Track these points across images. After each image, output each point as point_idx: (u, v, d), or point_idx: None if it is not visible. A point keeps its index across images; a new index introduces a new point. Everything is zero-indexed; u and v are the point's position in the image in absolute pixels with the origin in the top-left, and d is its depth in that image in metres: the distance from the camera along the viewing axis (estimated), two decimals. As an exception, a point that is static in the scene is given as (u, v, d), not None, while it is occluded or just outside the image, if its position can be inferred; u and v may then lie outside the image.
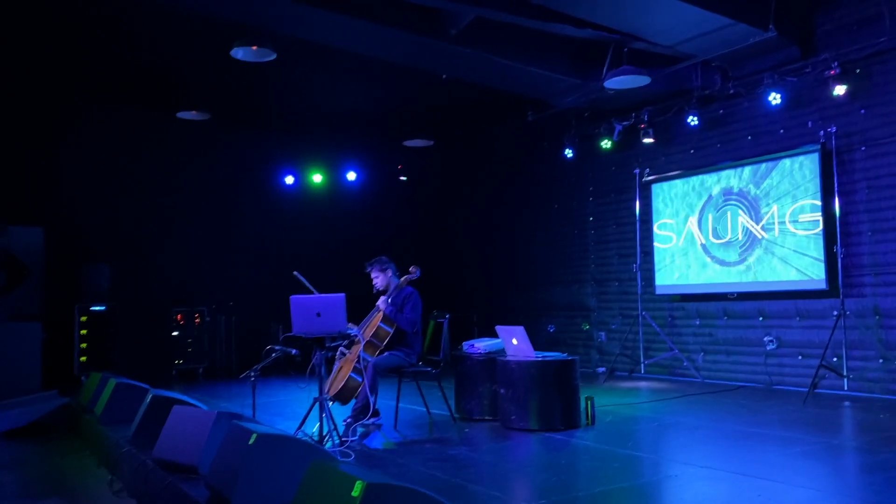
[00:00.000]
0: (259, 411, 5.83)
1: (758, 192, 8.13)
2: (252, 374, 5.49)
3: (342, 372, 5.91)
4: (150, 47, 8.24)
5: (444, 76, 8.55)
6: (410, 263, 6.31)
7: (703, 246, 8.70)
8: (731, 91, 8.24)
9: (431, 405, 6.37)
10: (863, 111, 7.26)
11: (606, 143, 9.54)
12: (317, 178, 12.05)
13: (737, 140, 8.44)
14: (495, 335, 6.35)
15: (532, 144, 11.12)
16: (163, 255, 10.63)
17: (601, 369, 9.51)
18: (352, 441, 5.32)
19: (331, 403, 5.40)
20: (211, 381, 9.93)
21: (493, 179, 12.05)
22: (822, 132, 7.49)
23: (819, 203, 7.49)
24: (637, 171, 9.43)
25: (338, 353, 6.02)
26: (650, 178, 9.33)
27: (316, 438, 4.98)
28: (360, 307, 6.21)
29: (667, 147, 9.17)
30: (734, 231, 8.37)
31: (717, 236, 8.56)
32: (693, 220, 8.83)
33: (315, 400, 5.05)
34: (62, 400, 7.60)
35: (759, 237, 8.10)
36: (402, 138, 11.96)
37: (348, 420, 5.71)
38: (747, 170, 8.23)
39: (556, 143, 10.34)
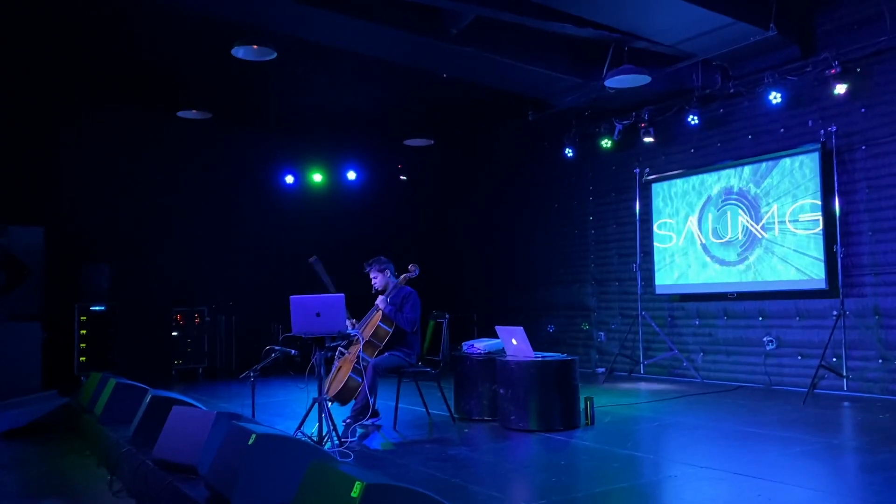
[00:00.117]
0: (258, 411, 5.83)
1: (758, 191, 8.12)
2: (252, 374, 5.49)
3: (341, 372, 5.91)
4: (150, 47, 8.24)
5: (444, 76, 8.55)
6: (410, 263, 6.31)
7: (703, 245, 8.69)
8: (732, 90, 8.24)
9: (431, 405, 6.37)
10: (863, 110, 7.26)
11: (607, 143, 9.54)
12: (317, 177, 12.05)
13: (737, 139, 8.43)
14: (495, 335, 6.35)
15: (532, 144, 11.12)
16: (163, 255, 10.63)
17: (601, 369, 9.52)
18: (351, 441, 5.32)
19: (330, 404, 5.40)
20: (210, 381, 9.93)
21: (493, 179, 12.05)
22: (822, 131, 7.49)
23: (819, 202, 7.49)
24: (637, 170, 9.42)
25: (336, 352, 6.02)
26: (650, 177, 9.32)
27: (315, 439, 4.97)
28: (360, 307, 6.21)
29: (667, 146, 9.17)
30: (734, 230, 8.37)
31: (717, 236, 8.56)
32: (693, 219, 8.82)
33: (314, 400, 5.05)
34: (62, 400, 7.60)
35: (759, 237, 8.10)
36: (403, 138, 11.96)
37: (348, 420, 5.71)
38: (747, 169, 8.23)
39: (556, 143, 10.34)
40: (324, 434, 5.01)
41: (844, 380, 7.21)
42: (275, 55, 7.41)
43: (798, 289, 7.71)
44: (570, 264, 10.66)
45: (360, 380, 5.77)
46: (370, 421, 5.86)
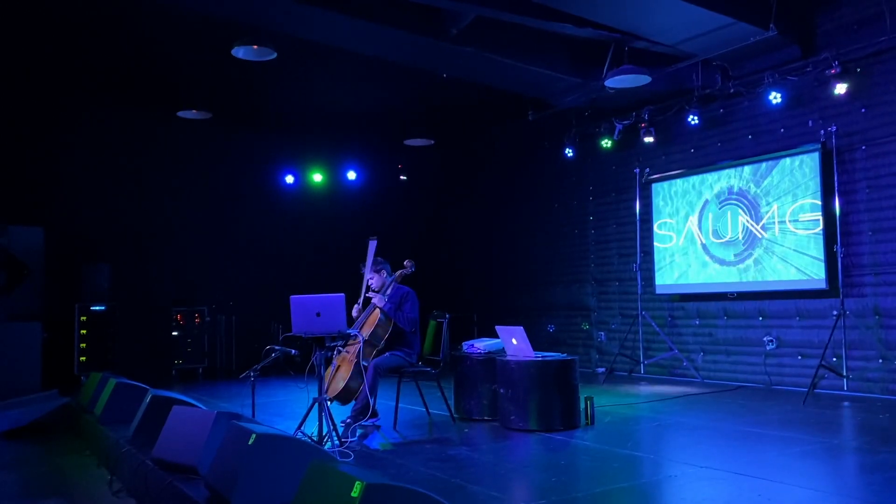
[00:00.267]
0: (259, 411, 5.83)
1: (758, 191, 8.12)
2: (252, 373, 5.49)
3: (341, 371, 5.90)
4: (150, 47, 8.24)
5: (444, 76, 8.55)
6: (406, 259, 6.30)
7: (703, 245, 8.69)
8: (732, 90, 8.24)
9: (431, 405, 6.37)
10: (863, 110, 7.26)
11: (607, 143, 9.54)
12: (317, 177, 12.05)
13: (737, 139, 8.43)
14: (495, 335, 6.34)
15: (532, 144, 11.12)
16: (163, 255, 10.64)
17: (601, 369, 9.52)
18: (351, 441, 5.32)
19: (329, 403, 5.40)
20: (211, 381, 9.93)
21: (493, 179, 12.05)
22: (822, 131, 7.49)
23: (819, 202, 7.49)
24: (637, 170, 9.42)
25: (335, 350, 6.01)
26: (650, 177, 9.32)
27: (315, 439, 4.97)
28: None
29: (667, 146, 9.17)
30: (734, 230, 8.37)
31: (717, 236, 8.56)
32: (693, 219, 8.82)
33: (314, 400, 5.04)
34: (62, 400, 7.60)
35: (759, 236, 8.10)
36: (403, 138, 11.96)
37: (348, 420, 5.71)
38: (747, 169, 8.23)
39: (556, 143, 10.34)
40: (324, 434, 5.01)
41: (844, 380, 7.21)
42: (275, 55, 7.41)
43: (798, 289, 7.71)
44: (570, 264, 10.66)
45: (361, 380, 5.77)
46: (370, 421, 5.86)
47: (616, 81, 7.74)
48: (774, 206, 7.95)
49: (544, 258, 11.09)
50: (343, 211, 12.11)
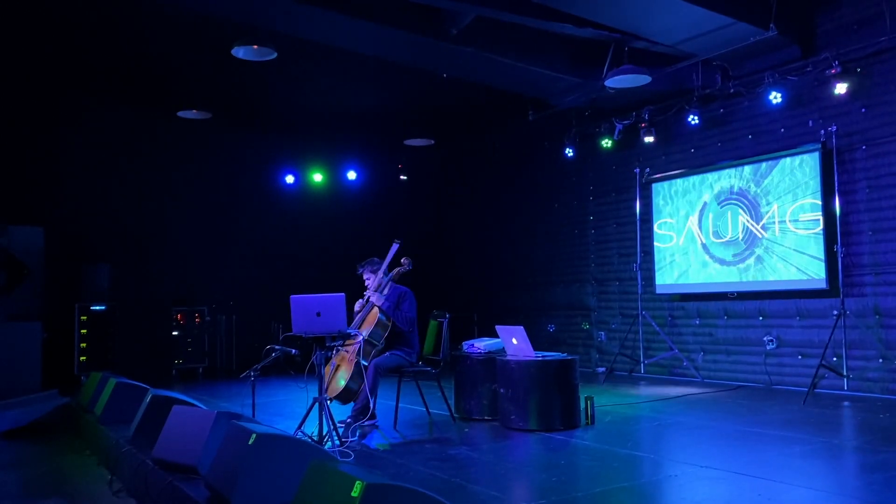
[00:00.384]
0: (259, 411, 5.83)
1: (758, 191, 8.12)
2: (252, 373, 5.49)
3: (340, 371, 5.90)
4: (150, 47, 8.24)
5: (444, 76, 8.55)
6: (403, 257, 6.29)
7: (704, 245, 8.69)
8: (732, 90, 8.24)
9: (431, 405, 6.37)
10: (863, 110, 7.26)
11: (607, 143, 9.54)
12: (317, 177, 12.06)
13: (737, 139, 8.43)
14: (495, 335, 6.34)
15: (532, 144, 11.12)
16: (163, 255, 10.64)
17: (601, 369, 9.52)
18: (351, 441, 5.32)
19: (329, 402, 5.40)
20: (211, 381, 9.93)
21: (493, 179, 12.05)
22: (822, 131, 7.49)
23: (819, 202, 7.49)
24: (637, 170, 9.42)
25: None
26: (650, 177, 9.32)
27: (315, 438, 4.97)
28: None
29: (667, 146, 9.17)
30: (734, 230, 8.37)
31: (717, 235, 8.56)
32: (693, 219, 8.82)
33: (314, 400, 5.04)
34: (62, 400, 7.60)
35: (760, 236, 8.10)
36: (403, 138, 11.96)
37: (347, 420, 5.71)
38: (747, 169, 8.23)
39: (556, 143, 10.34)
40: (324, 434, 5.01)
41: (845, 379, 7.21)
42: (275, 55, 7.41)
43: (798, 288, 7.71)
44: (570, 264, 10.66)
45: (361, 380, 5.77)
46: (369, 423, 5.86)
47: (616, 81, 7.74)
48: (774, 206, 7.95)
49: (544, 258, 11.09)
50: (343, 211, 12.12)
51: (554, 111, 9.83)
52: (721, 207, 8.52)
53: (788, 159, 7.82)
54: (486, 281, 12.10)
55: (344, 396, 5.85)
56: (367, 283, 6.24)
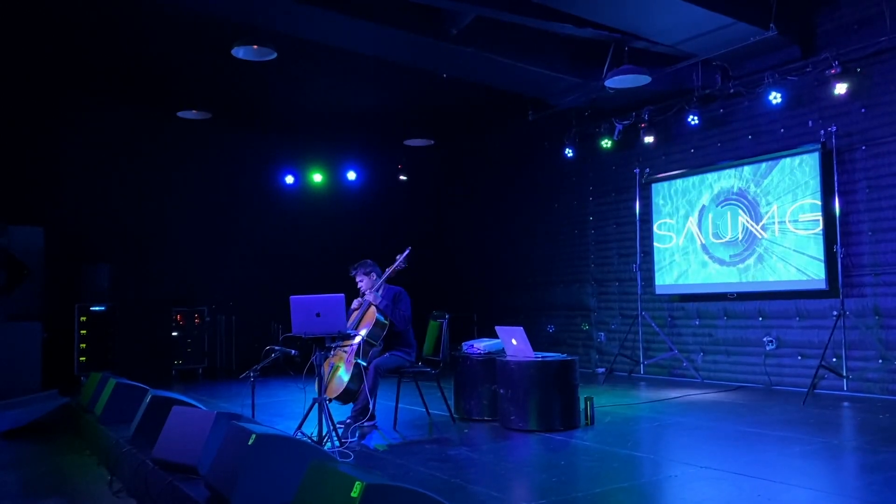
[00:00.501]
0: (258, 411, 5.83)
1: (758, 191, 8.12)
2: (252, 374, 5.49)
3: (339, 371, 5.89)
4: (150, 47, 8.24)
5: (444, 76, 8.55)
6: (411, 264, 6.27)
7: (703, 245, 8.69)
8: (732, 90, 8.24)
9: (431, 405, 6.37)
10: (863, 110, 7.26)
11: (607, 143, 9.54)
12: (317, 177, 12.06)
13: (737, 139, 8.43)
14: (495, 335, 6.34)
15: (532, 144, 11.12)
16: (163, 255, 10.64)
17: (601, 369, 9.52)
18: (351, 441, 5.32)
19: (329, 402, 5.40)
20: (210, 381, 9.93)
21: (493, 179, 12.05)
22: (822, 131, 7.49)
23: (819, 203, 7.49)
24: (637, 170, 9.42)
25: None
26: (650, 177, 9.33)
27: (315, 439, 4.97)
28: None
29: (667, 146, 9.17)
30: (734, 230, 8.37)
31: (717, 236, 8.55)
32: (693, 219, 8.82)
33: (315, 400, 5.04)
34: (62, 400, 7.60)
35: (759, 237, 8.10)
36: (403, 138, 11.96)
37: (347, 421, 5.71)
38: (747, 169, 8.23)
39: (556, 143, 10.34)
40: (324, 434, 5.01)
41: (844, 380, 7.21)
42: (275, 55, 7.42)
43: (798, 289, 7.71)
44: (570, 264, 10.66)
45: (361, 381, 5.77)
46: (368, 423, 5.86)
47: (616, 81, 7.74)
48: (774, 207, 7.95)
49: (544, 258, 11.09)
50: (343, 211, 12.12)
51: (554, 111, 9.82)
52: (721, 208, 8.52)
53: (788, 159, 7.82)
54: (486, 281, 12.10)
55: (344, 397, 5.85)
56: (359, 285, 6.22)
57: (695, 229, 8.80)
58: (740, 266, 8.28)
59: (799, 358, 7.71)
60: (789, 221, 7.80)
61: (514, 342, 6.02)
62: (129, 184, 10.58)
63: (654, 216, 9.27)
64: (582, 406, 5.92)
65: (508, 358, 5.97)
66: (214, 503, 3.70)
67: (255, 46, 7.17)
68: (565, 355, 6.07)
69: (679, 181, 9.00)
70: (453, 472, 4.50)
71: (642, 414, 6.52)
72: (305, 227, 11.76)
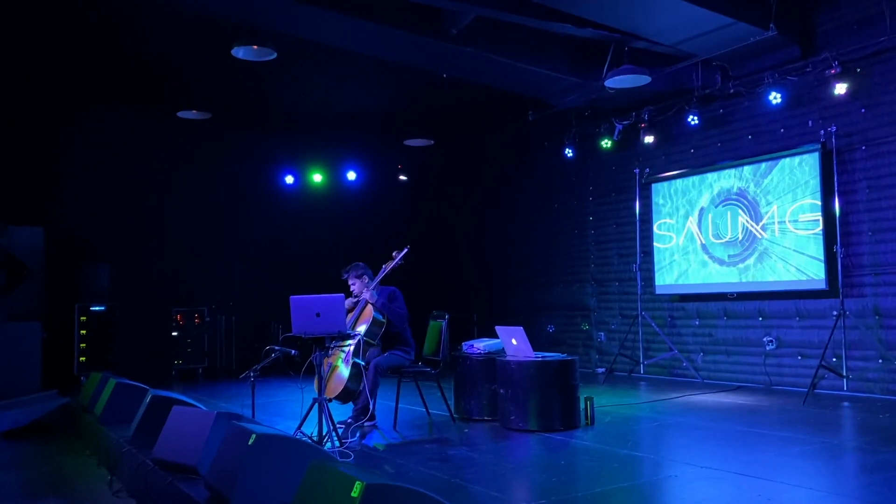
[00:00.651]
0: (258, 411, 5.83)
1: (758, 191, 8.12)
2: (252, 374, 5.49)
3: (338, 370, 5.89)
4: (150, 47, 8.24)
5: (444, 76, 8.55)
6: (410, 264, 6.28)
7: (703, 246, 8.69)
8: (732, 90, 8.24)
9: (431, 405, 6.37)
10: (863, 110, 7.26)
11: (607, 143, 9.54)
12: (317, 178, 12.06)
13: (737, 139, 8.43)
14: (495, 335, 6.34)
15: (532, 144, 11.12)
16: (163, 255, 10.64)
17: (601, 369, 9.52)
18: (351, 441, 5.32)
19: (329, 402, 5.39)
20: (210, 381, 9.93)
21: (493, 179, 12.05)
22: (822, 131, 7.49)
23: (819, 203, 7.49)
24: (637, 170, 9.42)
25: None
26: (650, 177, 9.33)
27: (315, 439, 4.97)
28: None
29: (667, 146, 9.17)
30: (734, 231, 8.37)
31: (716, 236, 8.56)
32: (693, 219, 8.82)
33: (315, 400, 5.04)
34: (62, 400, 7.60)
35: (759, 237, 8.10)
36: (403, 138, 11.96)
37: (348, 421, 5.71)
38: (747, 169, 8.23)
39: (556, 143, 10.34)
40: (324, 434, 5.01)
41: (844, 380, 7.21)
42: (275, 55, 7.41)
43: (798, 289, 7.71)
44: (570, 264, 10.66)
45: (361, 381, 5.76)
46: (368, 423, 5.85)
47: (616, 81, 7.74)
48: (774, 207, 7.95)
49: (544, 258, 11.09)
50: (343, 211, 12.12)
51: (554, 111, 9.83)
52: (721, 208, 8.52)
53: (788, 159, 7.82)
54: (486, 281, 12.10)
55: (343, 396, 5.85)
56: (352, 288, 6.22)
57: (695, 229, 8.80)
58: (740, 266, 8.28)
59: (799, 358, 7.71)
60: (789, 221, 7.80)
61: (514, 342, 6.02)
62: (129, 184, 10.58)
63: (654, 216, 9.27)
64: (582, 406, 5.92)
65: (508, 358, 5.97)
66: (214, 503, 3.70)
67: (255, 46, 7.17)
68: (565, 355, 6.07)
69: (679, 181, 9.00)
70: (453, 471, 4.50)
71: (642, 414, 6.53)
72: (305, 227, 11.76)
